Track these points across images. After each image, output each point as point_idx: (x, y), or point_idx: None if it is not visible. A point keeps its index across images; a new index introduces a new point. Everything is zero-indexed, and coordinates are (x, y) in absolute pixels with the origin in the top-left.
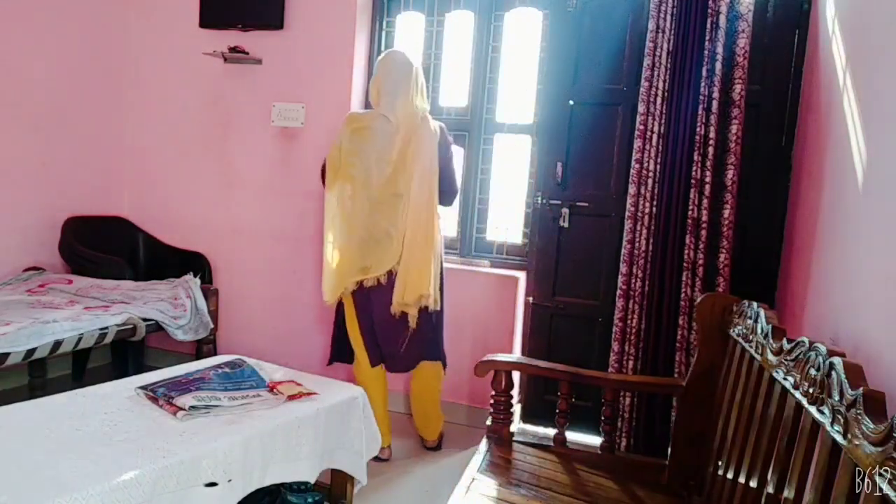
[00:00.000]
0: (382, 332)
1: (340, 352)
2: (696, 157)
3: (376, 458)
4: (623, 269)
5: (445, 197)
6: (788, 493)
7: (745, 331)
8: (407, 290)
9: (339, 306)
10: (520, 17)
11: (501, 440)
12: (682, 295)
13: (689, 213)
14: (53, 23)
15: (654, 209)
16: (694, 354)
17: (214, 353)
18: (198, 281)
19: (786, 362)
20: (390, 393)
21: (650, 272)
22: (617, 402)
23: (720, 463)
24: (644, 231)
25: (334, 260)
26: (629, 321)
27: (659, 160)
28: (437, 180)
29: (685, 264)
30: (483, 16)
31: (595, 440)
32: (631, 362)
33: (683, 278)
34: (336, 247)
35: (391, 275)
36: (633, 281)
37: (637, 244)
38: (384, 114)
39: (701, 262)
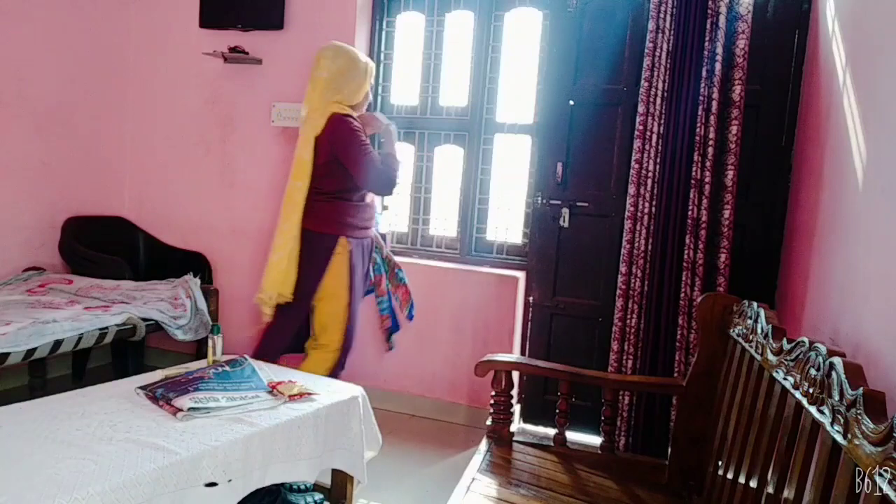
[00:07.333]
0: None
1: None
2: (695, 158)
3: None
4: (622, 268)
5: None
6: (788, 493)
7: (745, 331)
8: None
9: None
10: (520, 18)
11: (501, 440)
12: (682, 295)
13: (689, 213)
14: (54, 23)
15: (654, 209)
16: (694, 354)
17: None
18: (198, 281)
19: (786, 362)
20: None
21: (650, 272)
22: (617, 402)
23: (720, 463)
24: (644, 231)
25: None
26: (629, 321)
27: (658, 160)
28: None
29: (685, 264)
30: (483, 16)
31: (595, 440)
32: (630, 362)
33: (683, 278)
34: None
35: None
36: (633, 281)
37: (637, 244)
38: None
39: (700, 261)
